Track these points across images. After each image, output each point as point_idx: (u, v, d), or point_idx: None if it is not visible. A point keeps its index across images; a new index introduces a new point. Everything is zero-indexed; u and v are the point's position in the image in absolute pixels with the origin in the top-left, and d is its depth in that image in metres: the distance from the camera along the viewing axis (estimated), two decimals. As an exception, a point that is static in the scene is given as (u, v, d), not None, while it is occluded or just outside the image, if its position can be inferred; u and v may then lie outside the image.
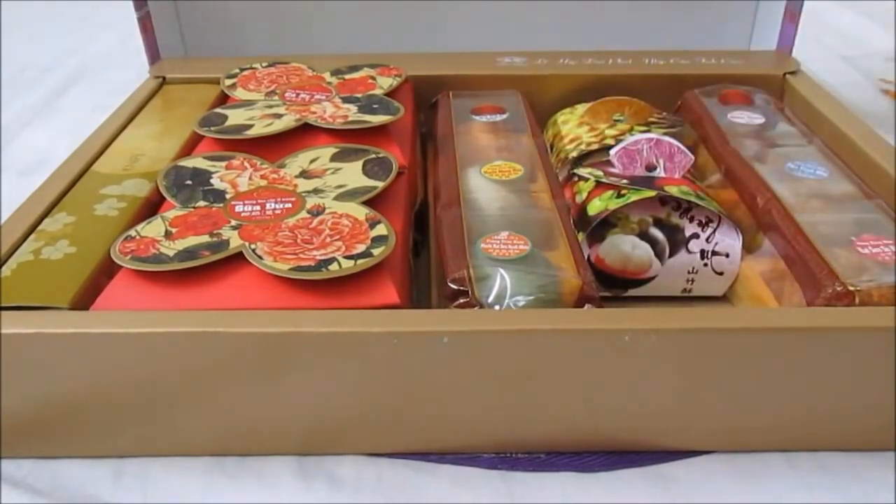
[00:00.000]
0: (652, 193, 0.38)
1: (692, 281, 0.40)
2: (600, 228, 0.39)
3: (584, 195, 0.41)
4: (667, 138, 0.41)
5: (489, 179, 0.41)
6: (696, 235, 0.39)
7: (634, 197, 0.38)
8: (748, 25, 0.60)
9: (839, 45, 0.80)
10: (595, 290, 0.33)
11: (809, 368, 0.31)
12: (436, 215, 0.39)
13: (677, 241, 0.39)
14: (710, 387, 0.31)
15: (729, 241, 0.39)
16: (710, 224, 0.39)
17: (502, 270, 0.33)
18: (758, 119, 0.47)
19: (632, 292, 0.40)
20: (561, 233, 0.36)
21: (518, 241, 0.35)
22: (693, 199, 0.38)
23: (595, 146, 0.43)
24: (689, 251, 0.39)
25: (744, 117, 0.47)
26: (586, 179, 0.41)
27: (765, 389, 0.31)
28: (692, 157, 0.41)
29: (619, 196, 0.39)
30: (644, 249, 0.39)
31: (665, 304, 0.38)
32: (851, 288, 0.32)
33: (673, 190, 0.38)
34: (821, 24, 0.84)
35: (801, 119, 0.48)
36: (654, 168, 0.41)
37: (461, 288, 0.33)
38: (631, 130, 0.44)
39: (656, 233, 0.39)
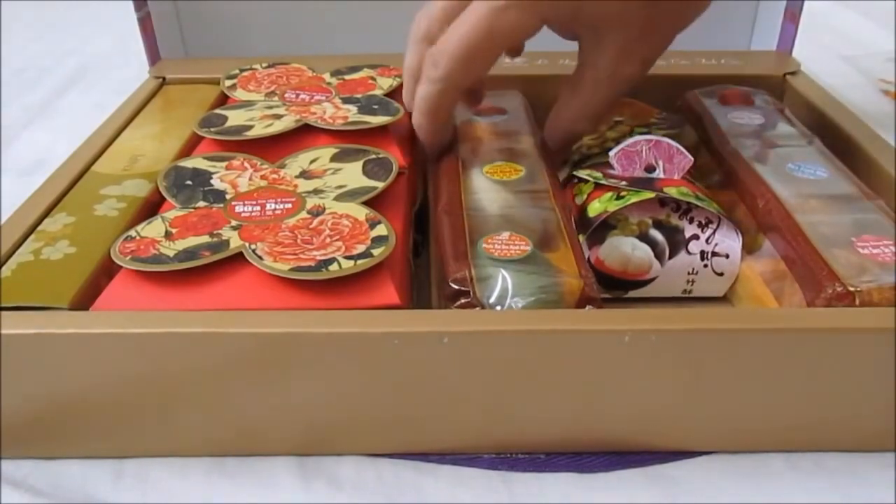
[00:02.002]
0: (651, 195, 0.38)
1: (692, 282, 0.40)
2: (600, 230, 0.39)
3: (584, 197, 0.41)
4: (666, 139, 0.41)
5: (490, 180, 0.41)
6: (695, 236, 0.39)
7: (634, 198, 0.38)
8: (748, 25, 0.60)
9: (839, 45, 0.80)
10: (596, 292, 0.33)
11: (809, 369, 0.31)
12: (436, 215, 0.39)
13: (677, 242, 0.39)
14: (710, 387, 0.31)
15: (729, 241, 0.39)
16: (710, 225, 0.39)
17: (504, 271, 0.33)
18: (758, 119, 0.47)
19: (632, 294, 0.40)
20: (562, 234, 0.36)
21: (520, 241, 0.35)
22: (692, 200, 0.38)
23: (595, 148, 0.43)
24: (688, 252, 0.39)
25: (744, 118, 0.47)
26: (586, 181, 0.41)
27: (765, 389, 0.31)
28: (691, 158, 0.41)
29: (619, 198, 0.39)
30: (644, 251, 0.39)
31: (665, 305, 0.38)
32: (851, 288, 0.32)
33: (672, 191, 0.38)
34: (821, 24, 0.84)
35: (801, 119, 0.48)
36: (653, 169, 0.40)
37: (462, 288, 0.33)
38: (631, 132, 0.44)
39: (656, 234, 0.39)
